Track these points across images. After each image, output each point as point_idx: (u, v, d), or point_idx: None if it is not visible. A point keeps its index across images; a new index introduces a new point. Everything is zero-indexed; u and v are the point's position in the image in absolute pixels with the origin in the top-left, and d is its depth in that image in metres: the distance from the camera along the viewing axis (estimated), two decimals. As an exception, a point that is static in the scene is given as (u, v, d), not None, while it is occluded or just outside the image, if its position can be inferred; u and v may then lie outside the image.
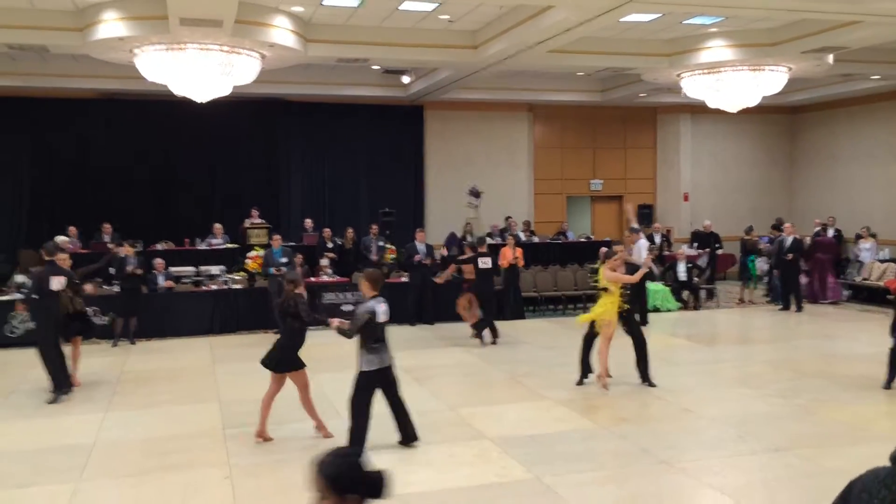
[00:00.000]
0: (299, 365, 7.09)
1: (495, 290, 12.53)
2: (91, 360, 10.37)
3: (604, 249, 9.68)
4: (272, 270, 12.60)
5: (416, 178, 19.08)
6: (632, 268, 9.63)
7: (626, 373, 9.16)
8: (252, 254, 13.96)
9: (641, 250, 12.59)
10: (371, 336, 6.46)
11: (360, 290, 6.84)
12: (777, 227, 16.01)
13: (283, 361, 7.07)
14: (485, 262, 12.04)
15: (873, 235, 17.14)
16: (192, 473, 6.31)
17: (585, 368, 9.09)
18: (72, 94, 16.27)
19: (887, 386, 8.63)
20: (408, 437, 6.80)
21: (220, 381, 9.66)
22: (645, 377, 8.98)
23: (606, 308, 8.71)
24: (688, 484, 6.04)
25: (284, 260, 12.69)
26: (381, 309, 6.50)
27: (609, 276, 8.65)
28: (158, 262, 13.50)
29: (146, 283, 12.83)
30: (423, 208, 19.07)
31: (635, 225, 12.87)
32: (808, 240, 17.30)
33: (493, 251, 13.98)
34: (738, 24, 13.08)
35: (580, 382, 9.03)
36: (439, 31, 13.32)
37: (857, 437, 7.08)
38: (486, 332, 11.82)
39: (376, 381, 6.53)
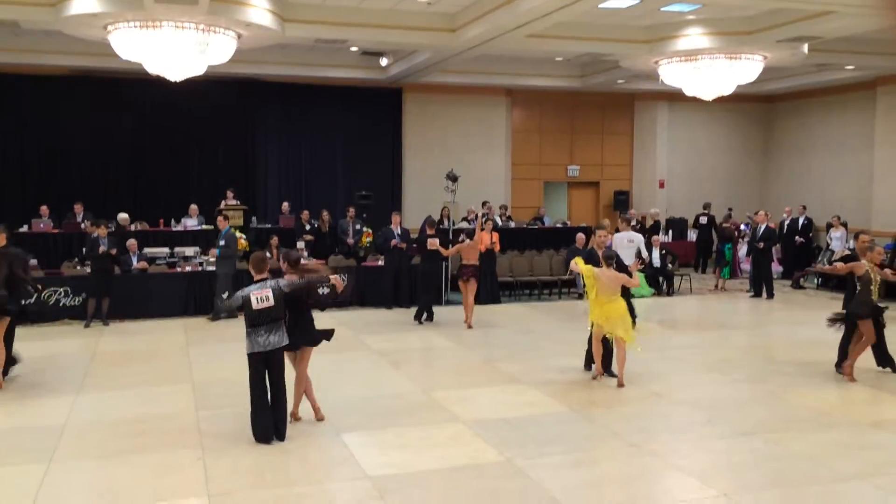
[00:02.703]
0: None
1: (436, 273, 12.45)
2: (63, 341, 10.29)
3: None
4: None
5: (393, 161, 19.04)
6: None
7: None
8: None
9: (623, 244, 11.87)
10: (246, 320, 6.50)
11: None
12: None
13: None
14: (432, 244, 12.15)
15: (844, 224, 17.42)
16: (164, 455, 6.30)
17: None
18: (44, 71, 16.00)
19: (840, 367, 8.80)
20: (277, 431, 6.55)
21: (193, 362, 9.62)
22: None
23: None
24: (656, 465, 6.14)
25: (221, 243, 12.48)
26: (258, 295, 6.43)
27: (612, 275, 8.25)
28: (131, 242, 13.38)
29: (119, 263, 12.71)
30: (401, 192, 19.05)
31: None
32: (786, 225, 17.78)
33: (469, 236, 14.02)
34: (715, 11, 13.16)
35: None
36: (418, 14, 13.26)
37: (822, 422, 7.23)
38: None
39: (257, 362, 6.49)
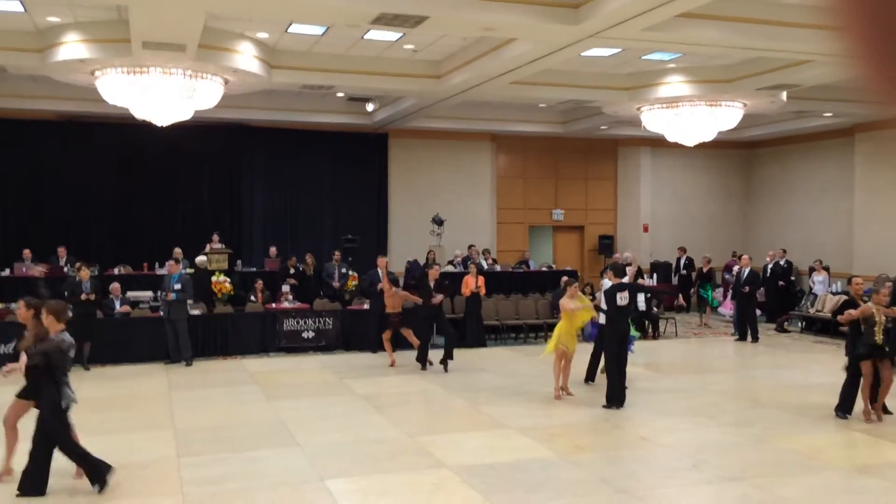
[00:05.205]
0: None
1: (433, 315, 12.13)
2: (42, 386, 10.10)
3: (564, 278, 10.00)
4: (163, 295, 12.42)
5: (379, 205, 19.11)
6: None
7: (589, 398, 9.20)
8: (212, 279, 13.81)
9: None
10: (62, 369, 6.19)
11: (45, 325, 6.24)
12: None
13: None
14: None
15: (826, 268, 17.58)
16: (145, 503, 6.16)
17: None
18: (30, 115, 16.04)
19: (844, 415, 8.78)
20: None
21: (175, 408, 9.48)
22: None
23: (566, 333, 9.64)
24: (644, 512, 6.08)
25: (178, 287, 12.28)
26: (69, 342, 6.20)
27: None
28: (115, 286, 13.27)
29: (101, 307, 12.59)
30: (387, 235, 19.09)
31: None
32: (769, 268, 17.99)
33: (456, 279, 14.07)
34: (695, 60, 13.44)
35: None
36: (404, 61, 13.46)
37: (809, 465, 7.20)
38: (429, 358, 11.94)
39: (67, 414, 6.23)
